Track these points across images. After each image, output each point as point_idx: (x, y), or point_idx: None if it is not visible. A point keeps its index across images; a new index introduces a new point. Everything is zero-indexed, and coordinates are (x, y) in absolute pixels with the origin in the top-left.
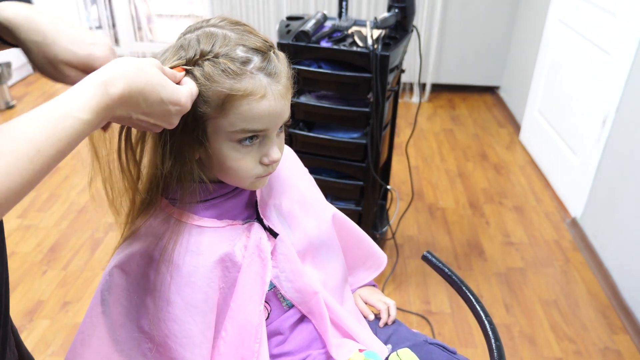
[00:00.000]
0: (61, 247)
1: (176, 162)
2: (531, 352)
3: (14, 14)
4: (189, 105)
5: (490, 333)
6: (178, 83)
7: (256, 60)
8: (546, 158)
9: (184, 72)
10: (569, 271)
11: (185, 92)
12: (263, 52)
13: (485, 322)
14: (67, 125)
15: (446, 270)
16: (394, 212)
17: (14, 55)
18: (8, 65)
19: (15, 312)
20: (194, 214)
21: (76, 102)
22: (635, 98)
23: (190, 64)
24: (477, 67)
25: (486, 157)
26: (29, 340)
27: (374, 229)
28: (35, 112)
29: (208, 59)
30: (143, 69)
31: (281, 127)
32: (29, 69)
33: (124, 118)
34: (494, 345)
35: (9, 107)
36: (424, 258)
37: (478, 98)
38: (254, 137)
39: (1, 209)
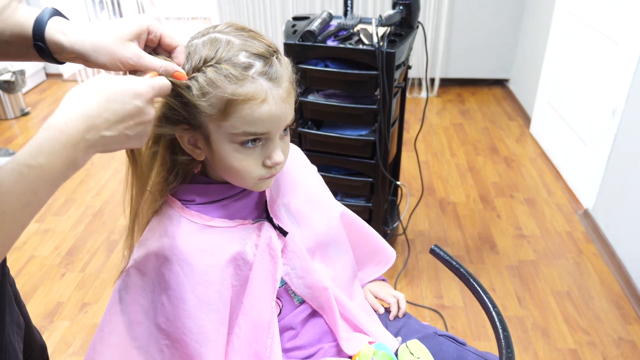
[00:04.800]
0: (78, 250)
1: (183, 164)
2: (545, 344)
3: (80, 45)
4: (150, 92)
5: (497, 323)
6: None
7: (258, 65)
8: (557, 150)
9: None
10: (581, 262)
11: (143, 82)
12: (265, 57)
13: (493, 312)
14: (20, 177)
15: (454, 263)
16: (405, 207)
17: (27, 63)
18: (22, 73)
19: (36, 314)
20: (206, 214)
21: (24, 152)
22: None
23: (195, 71)
24: (485, 61)
25: (496, 150)
26: (50, 341)
27: (384, 225)
28: None
29: (211, 65)
30: (88, 85)
31: (285, 129)
32: (42, 76)
33: (101, 143)
34: (501, 335)
35: (24, 114)
36: (432, 252)
37: (487, 91)
38: (257, 140)
39: None
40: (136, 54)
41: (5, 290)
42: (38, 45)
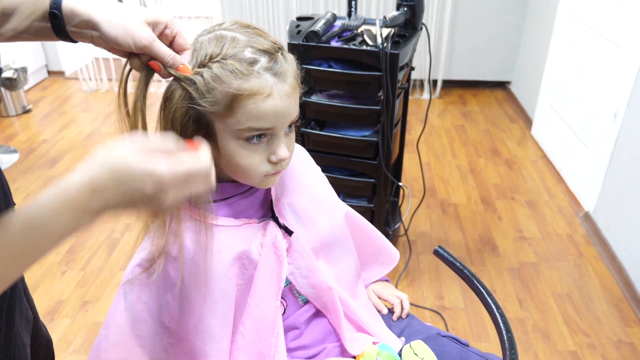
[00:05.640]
0: (79, 248)
1: None
2: (545, 346)
3: (95, 14)
4: (167, 181)
5: (501, 325)
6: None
7: (263, 60)
8: (558, 152)
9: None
10: (582, 265)
11: (165, 168)
12: (270, 53)
13: (497, 314)
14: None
15: (457, 264)
16: (406, 208)
17: (29, 60)
18: (24, 70)
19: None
20: (211, 213)
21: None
22: None
23: (200, 66)
24: (487, 63)
25: (498, 152)
26: None
27: (386, 226)
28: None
29: (217, 61)
30: (108, 155)
31: (290, 126)
32: (44, 73)
33: (107, 212)
34: (505, 336)
35: (26, 112)
36: (436, 253)
37: (489, 93)
38: (262, 136)
39: None
40: (151, 35)
41: (15, 284)
42: (53, 14)
